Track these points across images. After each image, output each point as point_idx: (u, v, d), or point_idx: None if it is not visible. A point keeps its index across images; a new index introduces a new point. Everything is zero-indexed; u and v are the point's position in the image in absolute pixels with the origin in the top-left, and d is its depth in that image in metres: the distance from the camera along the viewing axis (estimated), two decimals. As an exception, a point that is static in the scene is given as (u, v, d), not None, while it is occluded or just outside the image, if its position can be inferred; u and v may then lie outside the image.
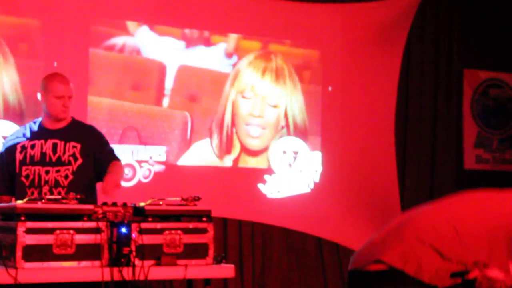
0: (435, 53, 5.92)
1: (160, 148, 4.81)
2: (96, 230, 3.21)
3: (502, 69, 6.20)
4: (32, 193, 3.67)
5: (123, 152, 4.64)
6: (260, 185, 5.15)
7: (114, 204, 3.40)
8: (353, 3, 5.61)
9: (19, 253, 3.06)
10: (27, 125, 3.88)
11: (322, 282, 5.37)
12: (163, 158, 4.81)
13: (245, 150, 5.15)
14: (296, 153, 5.32)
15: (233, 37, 5.18)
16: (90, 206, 3.29)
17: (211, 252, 3.42)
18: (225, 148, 5.09)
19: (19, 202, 3.24)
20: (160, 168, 4.75)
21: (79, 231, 3.18)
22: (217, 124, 5.09)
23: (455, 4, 5.98)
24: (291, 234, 5.31)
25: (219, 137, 5.06)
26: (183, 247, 3.36)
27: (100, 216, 3.26)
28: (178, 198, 3.52)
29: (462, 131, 6.01)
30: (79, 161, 3.79)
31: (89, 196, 3.75)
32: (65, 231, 3.15)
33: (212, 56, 5.12)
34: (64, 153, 3.77)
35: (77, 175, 3.78)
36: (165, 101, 4.95)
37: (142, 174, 4.74)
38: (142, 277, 3.19)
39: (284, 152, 5.28)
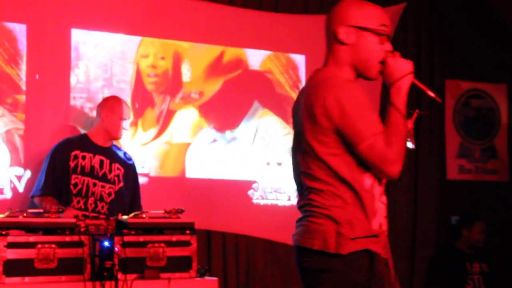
0: (417, 64, 5.93)
1: (143, 160, 4.78)
2: (79, 244, 3.19)
3: (483, 79, 6.25)
4: (78, 202, 3.83)
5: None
6: (246, 193, 5.13)
7: (97, 217, 3.38)
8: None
9: (0, 268, 3.03)
10: (77, 137, 4.13)
11: (307, 294, 5.36)
12: (145, 170, 4.78)
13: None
14: (279, 164, 5.32)
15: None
16: (72, 220, 3.27)
17: (194, 265, 3.41)
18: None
19: (0, 216, 3.20)
20: (143, 180, 4.72)
21: (61, 245, 3.17)
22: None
23: (436, 16, 6.03)
24: (275, 246, 5.29)
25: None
26: (167, 260, 3.35)
27: (82, 229, 3.25)
28: (161, 211, 3.51)
29: (444, 141, 6.05)
30: (121, 184, 4.04)
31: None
32: (46, 245, 3.13)
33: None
34: (110, 171, 4.01)
35: (118, 196, 4.00)
36: (148, 113, 4.93)
37: (125, 187, 4.71)
38: (125, 291, 3.17)
39: (268, 164, 5.28)
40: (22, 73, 4.46)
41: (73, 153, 3.95)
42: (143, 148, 4.80)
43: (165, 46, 4.96)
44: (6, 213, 3.23)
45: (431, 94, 2.20)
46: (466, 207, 5.89)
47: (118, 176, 4.03)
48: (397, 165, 2.10)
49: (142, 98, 4.86)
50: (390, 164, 2.09)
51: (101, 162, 3.99)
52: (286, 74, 5.44)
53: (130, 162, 4.19)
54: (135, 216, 3.45)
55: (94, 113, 4.65)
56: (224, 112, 5.14)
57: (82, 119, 4.58)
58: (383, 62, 2.17)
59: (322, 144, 2.14)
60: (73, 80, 4.62)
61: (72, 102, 4.60)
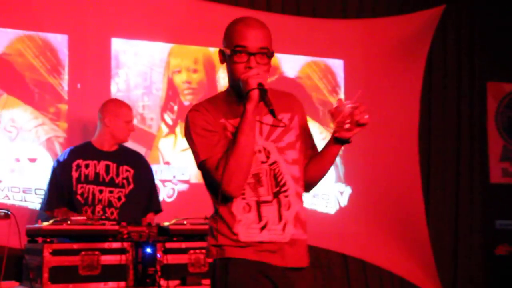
0: (457, 67, 5.89)
1: (183, 167, 4.81)
2: (122, 251, 3.22)
3: (526, 81, 6.14)
4: (86, 211, 3.78)
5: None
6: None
7: (139, 224, 3.41)
8: (374, 18, 5.60)
9: (45, 274, 3.08)
10: (79, 146, 4.00)
11: (348, 300, 5.33)
12: (186, 177, 4.82)
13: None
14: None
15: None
16: (115, 227, 3.30)
17: (236, 271, 3.41)
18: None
19: (45, 223, 3.26)
20: (183, 187, 4.75)
21: (104, 252, 3.20)
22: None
23: (476, 17, 5.95)
24: (316, 251, 5.27)
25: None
26: (208, 266, 3.35)
27: (125, 236, 3.28)
28: (202, 217, 3.52)
29: (487, 144, 5.95)
30: (131, 185, 3.91)
31: (139, 222, 3.78)
32: (90, 252, 3.17)
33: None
34: (117, 175, 3.90)
35: (129, 199, 3.88)
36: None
37: (166, 194, 4.75)
38: (167, 297, 3.19)
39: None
40: (64, 83, 4.53)
41: (74, 163, 3.85)
42: (183, 154, 4.83)
43: (196, 54, 4.98)
44: (51, 221, 3.28)
45: (274, 115, 2.19)
46: (511, 211, 5.79)
47: (127, 178, 3.92)
48: (229, 185, 2.17)
49: (180, 104, 4.89)
50: (221, 185, 2.17)
51: (107, 167, 3.90)
52: (325, 79, 5.43)
53: (139, 160, 4.06)
54: (176, 223, 3.47)
55: (134, 121, 4.70)
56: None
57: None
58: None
59: None
60: (113, 88, 4.68)
61: (113, 110, 4.64)
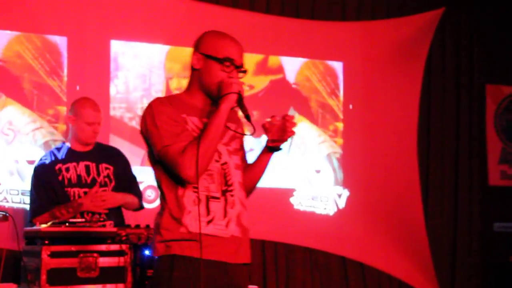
0: (456, 69, 5.89)
1: (182, 169, 4.81)
2: (120, 253, 3.23)
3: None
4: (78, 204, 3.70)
5: (146, 174, 4.65)
6: (284, 200, 5.13)
7: (137, 226, 3.41)
8: (373, 21, 5.61)
9: (43, 276, 3.09)
10: (54, 149, 3.92)
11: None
12: (185, 179, 4.80)
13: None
14: (318, 171, 5.30)
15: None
16: (113, 229, 3.30)
17: (234, 273, 3.41)
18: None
19: (43, 225, 3.26)
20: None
21: (102, 254, 3.21)
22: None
23: (476, 20, 5.95)
24: (315, 253, 5.27)
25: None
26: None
27: (123, 238, 3.28)
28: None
29: (485, 147, 5.95)
30: (113, 183, 3.84)
31: (120, 218, 3.77)
32: (88, 254, 3.17)
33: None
34: (98, 174, 3.81)
35: None
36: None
37: (165, 196, 4.74)
38: (166, 300, 3.18)
39: (307, 171, 5.27)
40: (63, 85, 4.54)
41: (56, 168, 3.76)
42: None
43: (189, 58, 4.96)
44: (49, 223, 3.28)
45: (249, 120, 2.39)
46: (509, 214, 5.79)
47: (108, 176, 3.82)
48: (191, 170, 2.27)
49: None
50: (183, 169, 2.28)
51: (87, 167, 3.79)
52: (324, 81, 5.44)
53: (117, 155, 3.97)
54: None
55: (133, 123, 4.71)
56: (261, 118, 5.14)
57: (121, 129, 4.63)
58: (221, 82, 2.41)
59: (150, 155, 2.41)
60: (112, 90, 4.68)
61: (112, 112, 4.66)
